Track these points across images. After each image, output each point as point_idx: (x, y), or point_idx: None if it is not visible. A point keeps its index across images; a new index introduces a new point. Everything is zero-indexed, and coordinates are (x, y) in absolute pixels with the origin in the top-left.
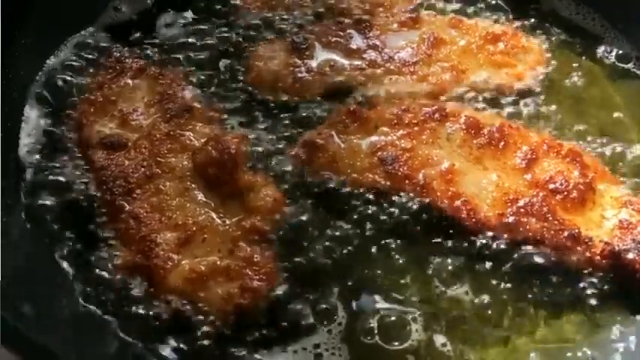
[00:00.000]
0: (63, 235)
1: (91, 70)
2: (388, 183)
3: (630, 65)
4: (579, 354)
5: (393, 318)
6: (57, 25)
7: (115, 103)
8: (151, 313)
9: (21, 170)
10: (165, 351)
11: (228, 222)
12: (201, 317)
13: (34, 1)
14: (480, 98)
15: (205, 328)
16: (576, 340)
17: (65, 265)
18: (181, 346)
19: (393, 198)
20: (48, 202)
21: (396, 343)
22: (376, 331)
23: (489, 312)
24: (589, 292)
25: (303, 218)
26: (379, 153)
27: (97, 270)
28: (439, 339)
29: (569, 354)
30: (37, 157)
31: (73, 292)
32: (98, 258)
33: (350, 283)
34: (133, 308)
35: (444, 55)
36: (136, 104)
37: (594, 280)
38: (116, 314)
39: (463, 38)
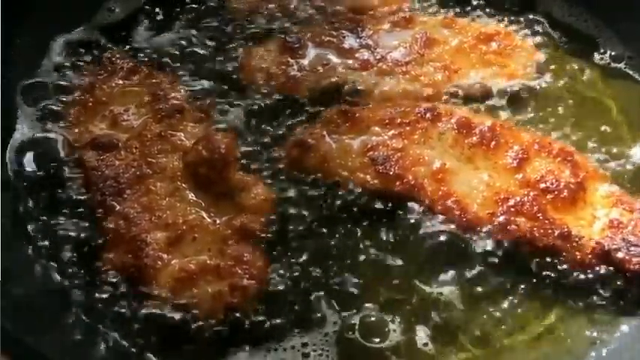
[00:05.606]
0: (55, 236)
1: (83, 71)
2: (379, 183)
3: (622, 65)
4: (567, 353)
5: (373, 318)
6: (50, 25)
7: (107, 104)
8: (141, 312)
9: (16, 170)
10: (157, 351)
11: (218, 221)
12: (190, 316)
13: (30, 1)
14: (472, 98)
15: (195, 327)
16: (565, 339)
17: (58, 267)
18: (171, 345)
19: (384, 200)
20: (41, 203)
21: (377, 340)
22: (359, 330)
23: (476, 311)
24: (578, 291)
25: (294, 217)
26: (370, 153)
27: (88, 271)
28: (422, 338)
29: (556, 353)
30: (31, 157)
31: (65, 296)
32: (89, 259)
33: (337, 283)
34: (124, 309)
35: (436, 55)
36: (127, 105)
37: (584, 278)
38: (107, 315)
39: (456, 38)
